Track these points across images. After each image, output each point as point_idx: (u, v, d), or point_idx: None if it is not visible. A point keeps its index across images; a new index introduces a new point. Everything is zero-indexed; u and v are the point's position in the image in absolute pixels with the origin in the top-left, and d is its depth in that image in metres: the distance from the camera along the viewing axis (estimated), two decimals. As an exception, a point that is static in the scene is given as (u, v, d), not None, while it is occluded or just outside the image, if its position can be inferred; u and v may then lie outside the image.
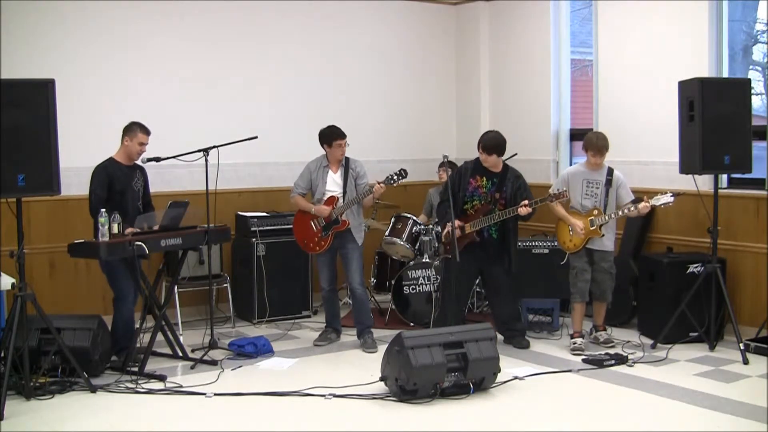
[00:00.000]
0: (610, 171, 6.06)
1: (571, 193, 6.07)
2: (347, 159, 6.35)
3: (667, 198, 5.77)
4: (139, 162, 5.94)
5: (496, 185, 6.20)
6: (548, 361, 5.87)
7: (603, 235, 5.98)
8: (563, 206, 6.11)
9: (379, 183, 6.10)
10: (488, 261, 6.29)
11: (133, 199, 5.89)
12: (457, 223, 5.99)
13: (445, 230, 6.15)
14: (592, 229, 5.95)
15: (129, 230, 5.58)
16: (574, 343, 6.08)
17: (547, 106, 7.99)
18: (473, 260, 6.21)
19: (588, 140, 6.05)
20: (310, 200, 6.44)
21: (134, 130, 5.84)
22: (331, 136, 6.28)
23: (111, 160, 5.86)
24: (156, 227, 5.75)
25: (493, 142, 6.16)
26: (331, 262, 6.42)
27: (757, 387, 5.20)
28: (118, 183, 5.79)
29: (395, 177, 6.11)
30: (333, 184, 6.34)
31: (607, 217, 5.94)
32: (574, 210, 6.08)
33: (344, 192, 6.29)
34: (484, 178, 6.22)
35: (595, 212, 5.97)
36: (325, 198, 6.31)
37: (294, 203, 6.47)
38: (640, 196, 5.98)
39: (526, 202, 5.93)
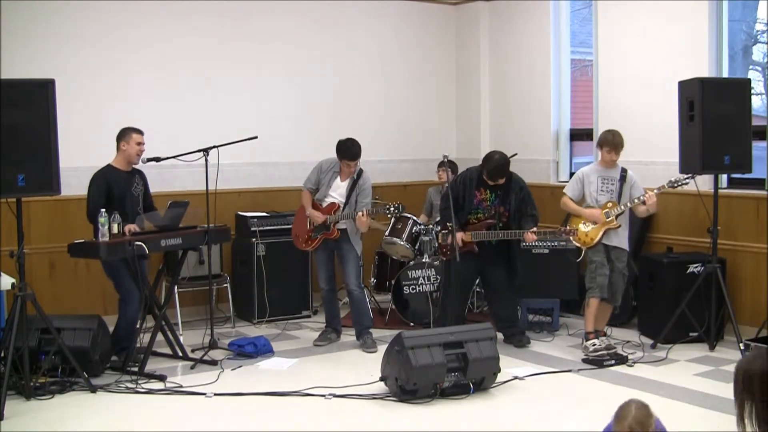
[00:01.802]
0: (624, 170, 6.05)
1: (587, 190, 6.05)
2: (361, 171, 6.31)
3: (682, 179, 5.79)
4: (139, 163, 5.93)
5: (500, 198, 6.19)
6: (548, 361, 5.87)
7: (620, 226, 5.94)
8: (577, 203, 6.10)
9: (362, 214, 6.04)
10: (488, 262, 6.29)
11: (133, 205, 5.87)
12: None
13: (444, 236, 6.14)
14: (608, 220, 5.93)
15: (129, 227, 5.58)
16: (593, 345, 5.84)
17: (547, 106, 7.99)
18: (473, 261, 6.21)
19: (604, 138, 6.03)
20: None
21: (128, 133, 5.84)
22: (341, 152, 6.19)
23: (109, 166, 5.84)
24: (160, 218, 5.75)
25: (499, 168, 6.07)
26: (327, 261, 6.41)
27: (757, 387, 5.19)
28: (117, 189, 5.78)
29: (392, 209, 6.11)
30: (337, 191, 6.31)
31: (623, 206, 5.90)
32: (590, 207, 6.05)
33: (346, 202, 6.28)
34: (488, 191, 6.21)
35: (610, 204, 5.96)
36: (327, 203, 6.32)
37: (301, 196, 6.47)
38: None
39: (535, 229, 5.97)
